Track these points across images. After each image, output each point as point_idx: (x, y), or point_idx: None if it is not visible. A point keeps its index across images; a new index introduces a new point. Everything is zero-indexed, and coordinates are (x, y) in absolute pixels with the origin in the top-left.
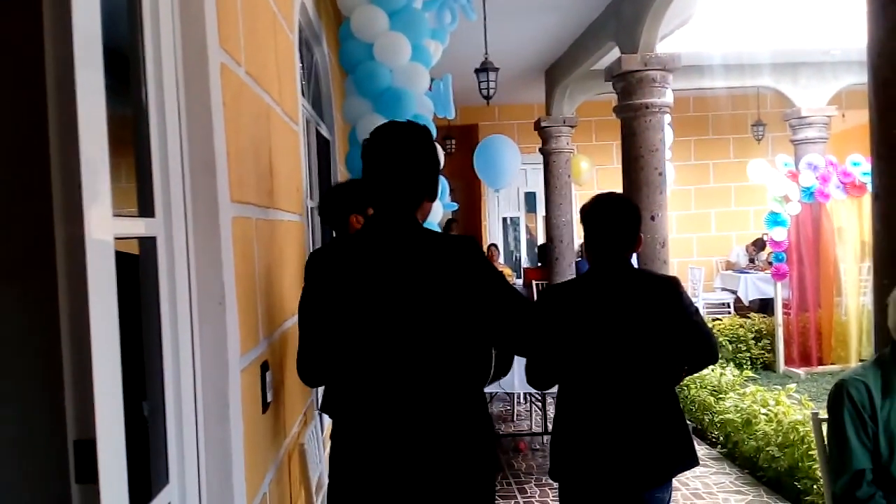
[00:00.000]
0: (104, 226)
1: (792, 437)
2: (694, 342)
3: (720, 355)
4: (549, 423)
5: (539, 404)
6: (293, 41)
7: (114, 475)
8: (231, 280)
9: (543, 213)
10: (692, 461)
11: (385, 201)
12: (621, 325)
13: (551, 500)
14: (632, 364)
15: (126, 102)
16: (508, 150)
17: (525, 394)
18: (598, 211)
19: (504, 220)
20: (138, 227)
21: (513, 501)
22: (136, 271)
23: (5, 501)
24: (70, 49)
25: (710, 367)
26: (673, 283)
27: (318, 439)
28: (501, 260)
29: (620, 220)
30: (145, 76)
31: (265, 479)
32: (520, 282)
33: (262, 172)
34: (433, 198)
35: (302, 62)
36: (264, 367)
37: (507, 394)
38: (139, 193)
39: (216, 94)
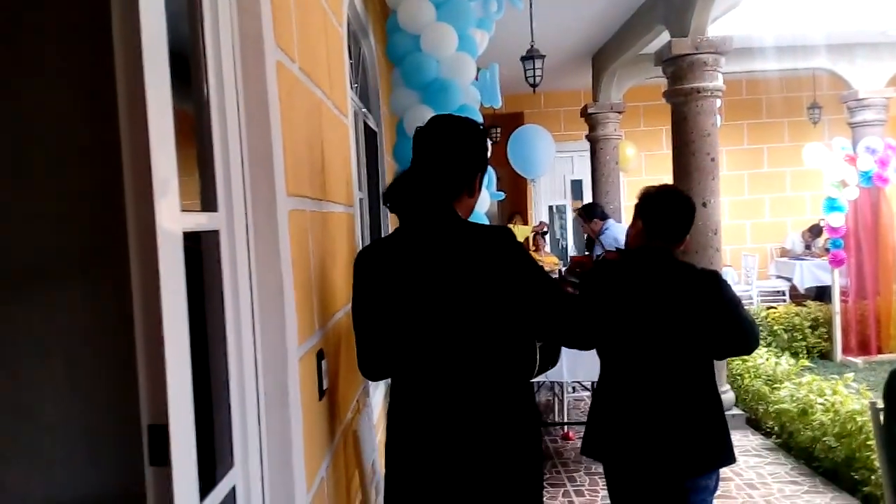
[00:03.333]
0: (173, 220)
1: (849, 427)
2: (733, 334)
3: (775, 344)
4: None
5: (588, 393)
6: (342, 35)
7: (184, 458)
8: (289, 271)
9: (591, 200)
10: (727, 457)
11: (425, 192)
12: (661, 315)
13: (601, 487)
14: (668, 354)
15: (188, 101)
16: (540, 139)
17: (573, 384)
18: (660, 204)
19: (550, 207)
20: (203, 220)
21: (562, 489)
22: (200, 263)
23: (78, 485)
24: (139, 50)
25: (764, 356)
26: (714, 278)
27: (370, 426)
28: (548, 248)
29: (678, 217)
30: (207, 75)
31: (322, 465)
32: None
33: (315, 165)
34: (472, 194)
35: (350, 55)
36: (320, 355)
37: (556, 383)
38: (202, 188)
39: (273, 91)
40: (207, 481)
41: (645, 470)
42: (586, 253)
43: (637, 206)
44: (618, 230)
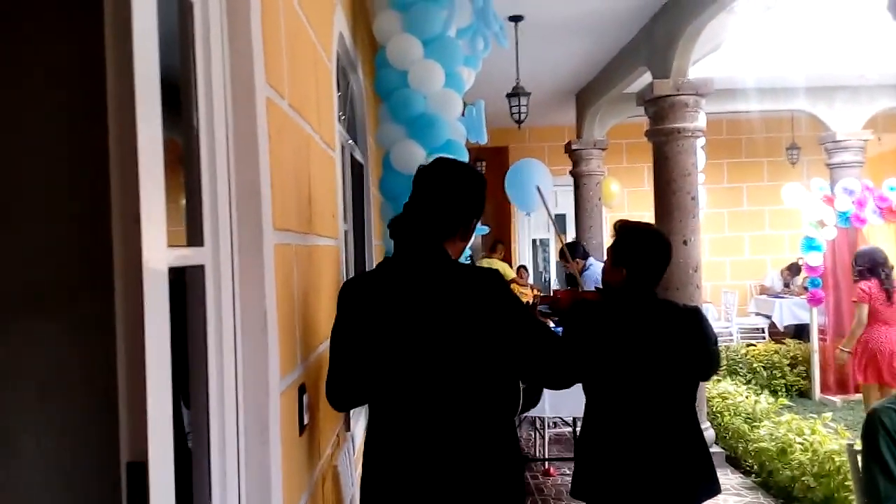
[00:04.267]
0: (160, 256)
1: (828, 467)
2: (705, 367)
3: (755, 381)
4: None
5: (569, 429)
6: (331, 71)
7: (163, 497)
8: (273, 305)
9: (574, 236)
10: (714, 488)
11: (418, 229)
12: (647, 354)
13: None
14: (655, 390)
15: (178, 135)
16: (540, 173)
17: (555, 419)
18: (642, 251)
19: (534, 241)
20: (189, 255)
21: None
22: (184, 296)
23: None
24: (131, 85)
25: (743, 394)
26: (696, 315)
27: (350, 461)
28: (531, 280)
29: (660, 262)
30: (197, 111)
31: (301, 501)
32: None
33: (302, 199)
34: (465, 237)
35: (338, 89)
36: (301, 389)
37: (538, 418)
38: (188, 222)
39: (262, 127)
40: None
41: None
42: (567, 287)
43: (616, 249)
44: (599, 269)
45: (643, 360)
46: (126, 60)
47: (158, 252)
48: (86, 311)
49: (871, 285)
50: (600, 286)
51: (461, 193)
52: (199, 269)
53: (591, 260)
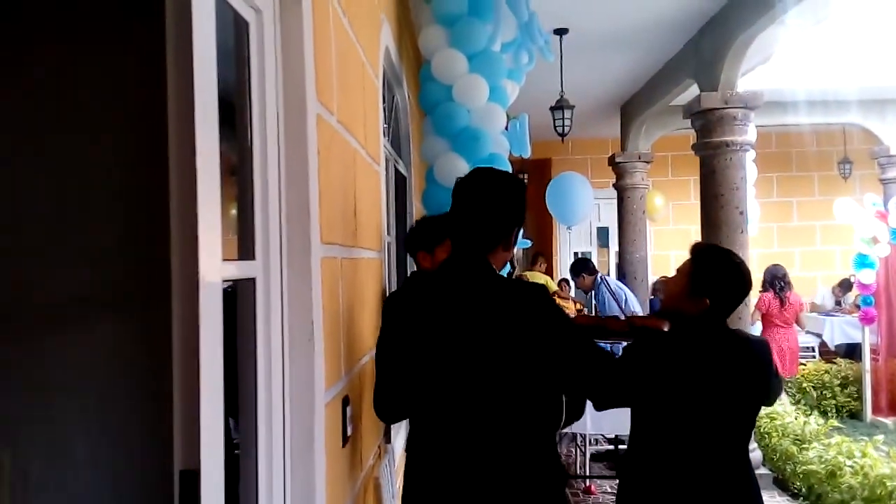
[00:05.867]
0: (215, 270)
1: (879, 492)
2: (771, 398)
3: (804, 402)
4: (619, 466)
5: (611, 446)
6: (378, 86)
7: None
8: (320, 318)
9: (616, 249)
10: None
11: (460, 243)
12: (716, 386)
13: None
14: (716, 422)
15: (233, 151)
16: (581, 187)
17: (596, 436)
18: (735, 287)
19: (576, 254)
20: (242, 269)
21: None
22: (234, 306)
23: None
24: (191, 102)
25: (792, 415)
26: (765, 348)
27: (391, 473)
28: (573, 293)
29: (744, 289)
30: (251, 128)
31: None
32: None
33: (348, 213)
34: (507, 248)
35: (383, 103)
36: (345, 401)
37: (579, 434)
38: (241, 237)
39: (312, 143)
40: None
41: None
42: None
43: (697, 277)
44: (612, 286)
45: (711, 393)
46: (186, 75)
47: (214, 265)
48: (143, 322)
49: (768, 296)
50: (639, 311)
51: (500, 202)
52: (250, 282)
53: (599, 276)
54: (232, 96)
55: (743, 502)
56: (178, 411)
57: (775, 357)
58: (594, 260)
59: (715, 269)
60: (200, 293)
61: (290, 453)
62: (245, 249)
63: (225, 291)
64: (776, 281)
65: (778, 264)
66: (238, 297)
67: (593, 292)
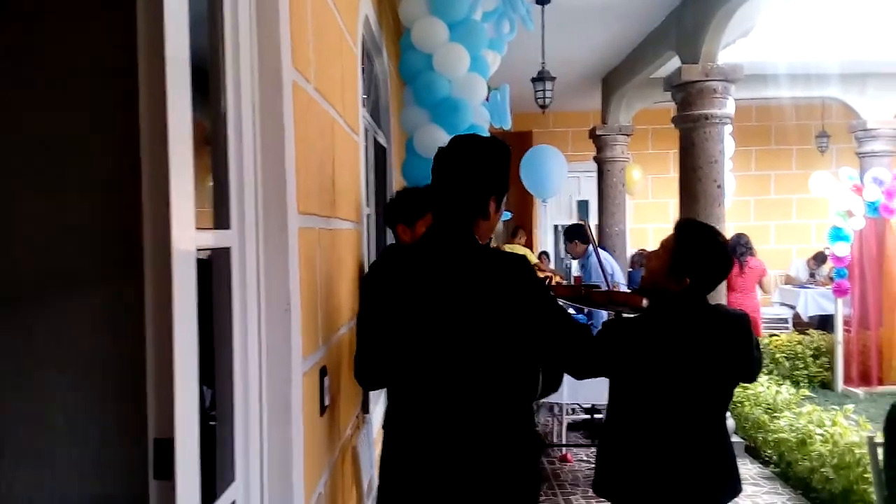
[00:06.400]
0: (188, 238)
1: (848, 459)
2: (752, 371)
3: (777, 372)
4: (596, 435)
5: (587, 416)
6: (356, 55)
7: (188, 473)
8: (297, 288)
9: (596, 222)
10: (737, 487)
11: (441, 211)
12: (695, 360)
13: None
14: (695, 395)
15: (206, 118)
16: (555, 159)
17: (572, 405)
18: (716, 266)
19: (555, 227)
20: (216, 238)
21: None
22: (209, 276)
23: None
24: (162, 67)
25: (765, 384)
26: (745, 321)
27: (369, 442)
28: (552, 266)
29: (727, 268)
30: (225, 94)
31: (321, 480)
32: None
33: (325, 183)
34: (486, 216)
35: (363, 72)
36: (323, 371)
37: (555, 404)
38: (216, 206)
39: (288, 111)
40: (209, 495)
41: None
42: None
43: (679, 255)
44: (602, 259)
45: (690, 367)
46: (157, 43)
47: (187, 234)
48: (117, 292)
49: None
50: (622, 285)
51: (480, 165)
52: (225, 252)
53: (589, 248)
54: (205, 63)
55: (719, 471)
56: (152, 380)
57: None
58: None
59: (699, 249)
60: (173, 261)
61: (267, 422)
62: (220, 218)
63: (201, 262)
64: (738, 247)
65: (742, 233)
66: (214, 267)
67: (581, 262)
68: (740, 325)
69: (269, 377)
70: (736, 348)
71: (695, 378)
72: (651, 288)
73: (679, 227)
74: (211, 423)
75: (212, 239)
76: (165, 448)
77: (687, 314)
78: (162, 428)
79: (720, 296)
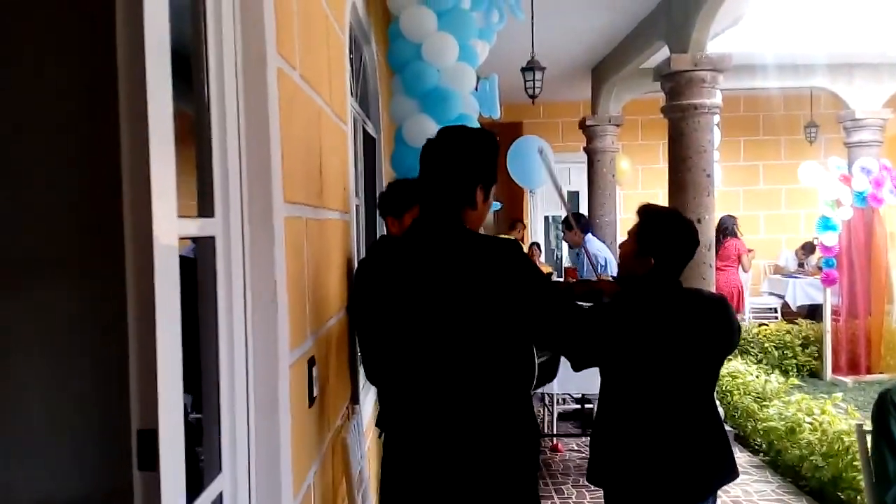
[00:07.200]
0: (170, 227)
1: (837, 447)
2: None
3: (766, 361)
4: (587, 425)
5: (578, 406)
6: (344, 42)
7: (173, 464)
8: (283, 278)
9: (586, 213)
10: (733, 473)
11: (429, 199)
12: (674, 345)
13: (588, 500)
14: (679, 380)
15: (189, 105)
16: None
17: (563, 395)
18: (676, 244)
19: (546, 218)
20: (199, 226)
21: (549, 501)
22: (194, 272)
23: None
24: (141, 54)
25: (754, 373)
26: (724, 305)
27: (359, 434)
28: (542, 259)
29: (690, 254)
30: (208, 81)
31: (310, 472)
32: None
33: (312, 172)
34: (473, 206)
35: (351, 61)
36: (311, 362)
37: (546, 394)
38: (199, 193)
39: (273, 98)
40: (195, 487)
41: (647, 494)
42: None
43: (642, 237)
44: (595, 247)
45: (670, 352)
46: (136, 29)
47: (168, 221)
48: (99, 278)
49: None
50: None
51: (466, 154)
52: (210, 241)
53: (589, 237)
54: (187, 49)
55: (711, 455)
56: (135, 371)
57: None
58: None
59: (659, 229)
60: (154, 249)
61: (254, 414)
62: (204, 207)
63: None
64: (721, 227)
65: (730, 215)
66: (198, 256)
67: (576, 251)
68: (715, 307)
69: (256, 368)
70: (715, 330)
71: (672, 357)
72: (623, 273)
73: (640, 210)
74: (197, 415)
75: (195, 227)
76: (149, 439)
77: (656, 295)
78: (146, 419)
79: (709, 283)
